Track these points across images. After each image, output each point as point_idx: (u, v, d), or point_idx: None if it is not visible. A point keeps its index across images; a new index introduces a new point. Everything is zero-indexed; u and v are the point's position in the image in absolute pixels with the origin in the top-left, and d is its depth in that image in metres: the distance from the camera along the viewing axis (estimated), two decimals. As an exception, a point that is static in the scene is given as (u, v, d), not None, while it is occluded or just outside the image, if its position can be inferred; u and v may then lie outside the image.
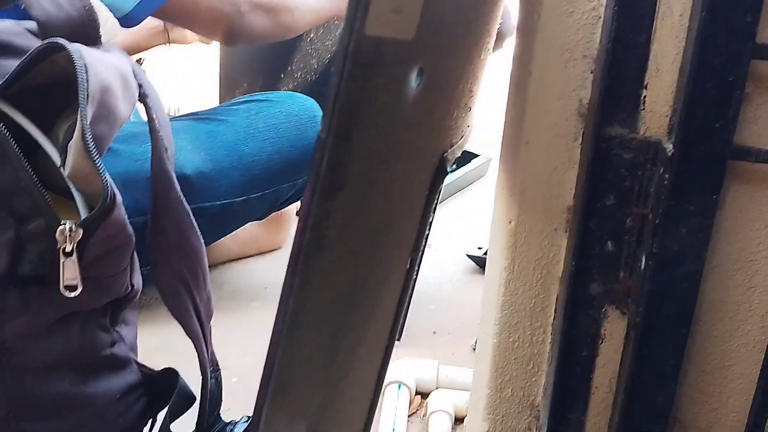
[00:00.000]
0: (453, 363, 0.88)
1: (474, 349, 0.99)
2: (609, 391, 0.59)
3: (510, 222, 0.56)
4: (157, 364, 0.70)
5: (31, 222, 0.55)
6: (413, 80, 0.38)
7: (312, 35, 1.46)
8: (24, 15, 0.73)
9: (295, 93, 1.05)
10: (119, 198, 0.57)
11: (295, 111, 1.03)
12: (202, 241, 0.67)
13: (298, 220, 0.33)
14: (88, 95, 0.54)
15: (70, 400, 0.62)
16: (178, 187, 0.65)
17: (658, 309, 0.53)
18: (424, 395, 0.85)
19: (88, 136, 0.54)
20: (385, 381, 0.84)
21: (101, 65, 0.57)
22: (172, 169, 0.65)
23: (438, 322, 1.06)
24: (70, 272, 0.56)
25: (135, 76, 0.63)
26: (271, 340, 0.35)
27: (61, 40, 0.56)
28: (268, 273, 1.18)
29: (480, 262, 1.25)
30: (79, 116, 0.54)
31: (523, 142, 0.54)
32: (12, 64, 0.61)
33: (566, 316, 0.56)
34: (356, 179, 0.36)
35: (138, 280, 0.66)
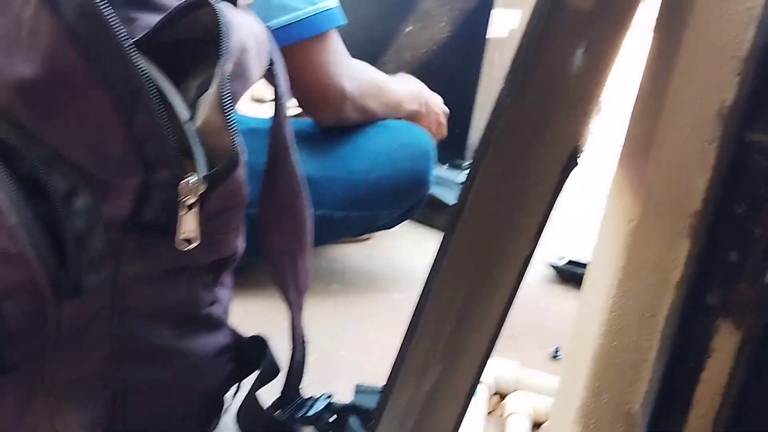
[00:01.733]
0: (531, 368, 0.87)
1: (554, 357, 0.98)
2: (710, 408, 0.57)
3: (631, 221, 0.55)
4: (244, 330, 0.71)
5: (158, 170, 0.56)
6: (580, 56, 0.37)
7: (411, 28, 1.47)
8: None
9: (415, 125, 1.05)
10: (243, 158, 0.58)
11: (410, 142, 1.04)
12: (311, 211, 0.68)
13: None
14: (229, 52, 0.55)
15: (168, 352, 0.63)
16: (294, 154, 0.66)
17: (779, 327, 0.52)
18: (502, 396, 0.84)
19: (226, 92, 0.55)
20: (465, 376, 0.83)
21: (241, 26, 0.59)
22: (291, 137, 0.66)
23: (516, 326, 1.05)
24: (189, 225, 0.57)
25: (269, 42, 0.65)
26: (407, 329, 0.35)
27: (207, -2, 0.58)
28: (350, 259, 1.19)
29: (561, 272, 1.23)
30: (218, 71, 0.56)
31: (656, 141, 0.53)
32: (150, 18, 0.63)
33: (678, 324, 0.55)
34: (512, 142, 0.35)
35: (242, 244, 0.67)
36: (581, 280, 1.16)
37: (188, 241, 0.58)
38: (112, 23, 0.52)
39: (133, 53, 0.53)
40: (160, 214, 0.58)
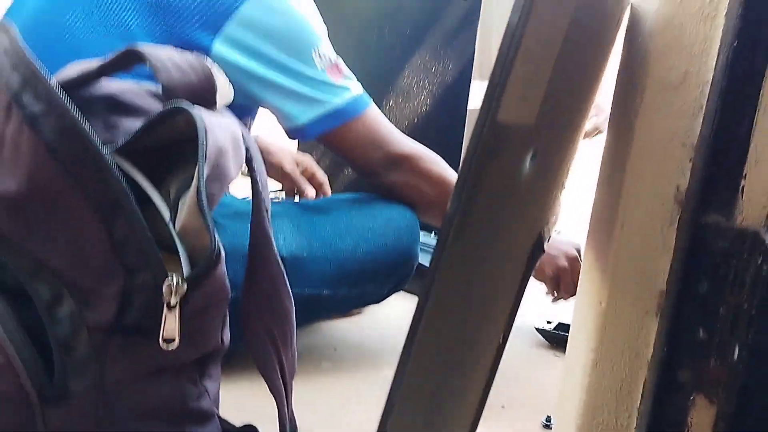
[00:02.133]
0: (523, 440, 0.87)
1: (545, 426, 0.98)
2: (693, 483, 0.58)
3: (600, 303, 0.56)
4: (235, 419, 0.72)
5: (139, 274, 0.58)
6: (528, 162, 0.40)
7: (392, 103, 1.51)
8: (144, 76, 0.78)
9: (397, 201, 1.08)
10: (223, 255, 0.60)
11: (394, 218, 1.06)
12: (293, 301, 0.69)
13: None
14: (206, 156, 0.57)
15: (159, 449, 0.64)
16: (275, 247, 0.67)
17: (751, 401, 0.53)
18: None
19: (203, 195, 0.57)
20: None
21: (218, 128, 0.61)
22: (271, 230, 0.68)
23: (506, 396, 1.05)
24: (170, 325, 0.59)
25: (243, 139, 0.67)
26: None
27: (185, 104, 0.60)
28: (340, 334, 1.20)
29: (548, 337, 1.24)
30: (197, 175, 0.58)
31: (618, 224, 0.55)
32: (132, 123, 0.66)
33: (653, 401, 0.56)
34: (473, 249, 0.37)
35: (227, 336, 0.68)
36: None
37: (171, 340, 0.59)
38: (90, 140, 0.55)
39: (112, 166, 0.55)
40: (143, 316, 0.59)
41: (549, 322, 1.25)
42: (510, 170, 0.38)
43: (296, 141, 1.43)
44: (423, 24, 1.46)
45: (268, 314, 0.68)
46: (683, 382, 0.56)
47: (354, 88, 1.01)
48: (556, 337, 1.22)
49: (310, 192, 1.27)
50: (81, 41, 0.91)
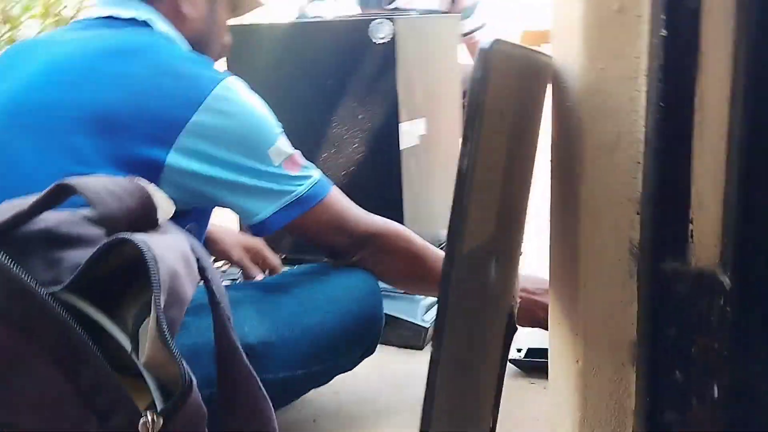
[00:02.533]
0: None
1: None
2: None
3: (577, 362, 0.57)
4: None
5: (112, 417, 0.56)
6: (493, 269, 0.40)
7: (326, 154, 1.51)
8: (79, 204, 0.76)
9: (356, 268, 1.08)
10: (195, 382, 0.58)
11: (354, 285, 1.06)
12: (271, 405, 0.68)
13: None
14: (160, 285, 0.56)
15: None
16: (244, 356, 0.66)
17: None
18: None
19: (164, 325, 0.56)
20: None
21: (167, 252, 0.60)
22: (237, 339, 0.67)
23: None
24: (153, 460, 0.57)
25: (193, 251, 0.66)
26: None
27: (128, 235, 0.59)
28: (316, 404, 1.18)
29: (522, 366, 1.25)
30: (153, 307, 0.56)
31: (580, 284, 0.56)
32: (74, 254, 0.64)
33: (644, 446, 0.57)
34: (460, 341, 0.37)
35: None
36: (545, 369, 1.17)
37: (159, 475, 0.58)
38: (39, 296, 0.53)
39: (65, 318, 0.54)
40: (123, 457, 0.57)
41: (519, 350, 1.26)
42: (481, 287, 0.38)
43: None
44: (342, 73, 1.46)
45: (247, 423, 0.66)
46: (669, 423, 0.57)
47: (313, 174, 1.00)
48: (529, 364, 1.24)
49: (260, 278, 1.26)
50: (32, 169, 0.87)
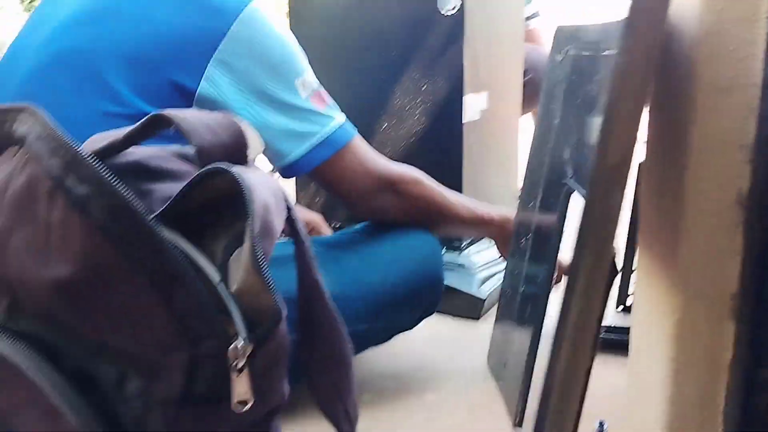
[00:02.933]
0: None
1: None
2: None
3: (674, 313, 0.56)
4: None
5: (204, 342, 0.57)
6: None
7: (386, 125, 1.50)
8: (168, 140, 0.77)
9: (417, 228, 1.09)
10: (284, 312, 0.59)
11: (417, 245, 1.06)
12: (352, 345, 0.68)
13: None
14: (255, 214, 0.57)
15: None
16: (328, 295, 0.66)
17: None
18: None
19: (259, 252, 0.56)
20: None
21: (260, 186, 0.60)
22: (320, 277, 0.67)
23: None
24: (242, 387, 0.57)
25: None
26: None
27: (223, 165, 0.59)
28: (374, 364, 1.19)
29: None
30: (247, 235, 0.57)
31: (683, 233, 0.55)
32: (165, 186, 0.65)
33: (738, 403, 0.56)
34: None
35: (287, 388, 0.67)
36: (618, 347, 1.15)
37: (243, 402, 0.58)
38: (142, 216, 0.53)
39: (165, 239, 0.54)
40: (211, 384, 0.58)
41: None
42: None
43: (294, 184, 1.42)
44: (408, 43, 1.46)
45: (330, 364, 0.67)
46: (765, 380, 0.56)
47: (338, 116, 1.00)
48: (604, 341, 1.22)
49: None
50: (71, 109, 0.89)
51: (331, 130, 0.98)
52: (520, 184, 1.84)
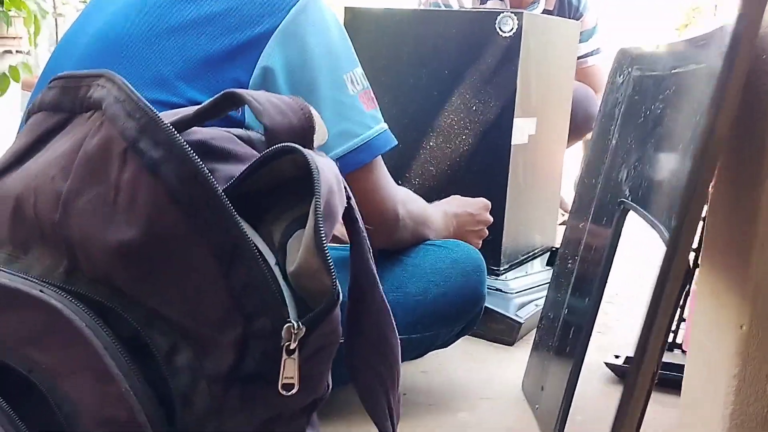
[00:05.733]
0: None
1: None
2: None
3: (741, 327, 0.54)
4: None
5: (258, 320, 0.56)
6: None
7: (432, 143, 1.50)
8: (231, 123, 0.77)
9: (462, 242, 1.07)
10: (341, 297, 0.58)
11: (460, 258, 1.04)
12: (399, 338, 0.67)
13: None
14: (323, 194, 0.56)
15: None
16: (380, 285, 0.66)
17: None
18: None
19: (322, 233, 0.56)
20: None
21: (325, 168, 0.60)
22: (375, 268, 0.66)
23: (588, 433, 1.02)
24: (289, 370, 0.57)
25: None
26: None
27: (292, 145, 0.59)
28: (405, 378, 1.17)
29: (618, 371, 1.21)
30: (313, 214, 0.56)
31: (756, 244, 0.53)
32: (227, 167, 0.64)
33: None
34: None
35: (330, 380, 0.66)
36: (664, 384, 1.12)
37: (290, 386, 0.57)
38: (212, 185, 0.53)
39: (232, 211, 0.54)
40: (261, 364, 0.57)
41: (617, 356, 1.22)
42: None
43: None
44: (462, 62, 1.46)
45: (375, 356, 0.66)
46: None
47: (382, 121, 0.94)
48: (627, 371, 1.20)
49: None
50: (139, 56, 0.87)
51: (375, 133, 0.92)
52: (559, 209, 1.84)
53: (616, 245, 0.86)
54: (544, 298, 1.44)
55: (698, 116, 0.52)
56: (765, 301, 0.53)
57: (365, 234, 0.66)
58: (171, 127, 0.54)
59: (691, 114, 0.57)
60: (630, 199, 0.83)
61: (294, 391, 0.57)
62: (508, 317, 1.33)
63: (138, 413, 0.53)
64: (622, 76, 0.97)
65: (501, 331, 1.32)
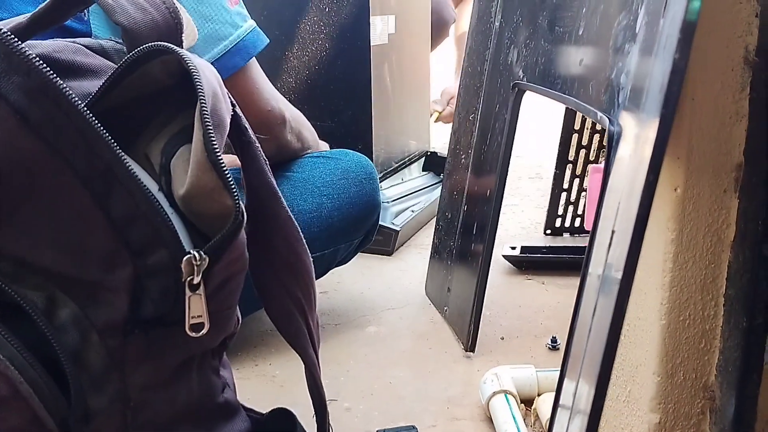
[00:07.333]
0: (534, 365, 0.83)
1: (551, 348, 0.95)
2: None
3: (676, 189, 0.52)
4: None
5: (151, 254, 0.48)
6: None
7: (287, 53, 1.40)
8: (72, 32, 0.66)
9: (350, 150, 1.00)
10: (245, 217, 0.50)
11: (351, 168, 0.98)
12: (311, 258, 0.60)
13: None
14: (207, 97, 0.47)
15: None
16: (284, 201, 0.58)
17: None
18: (526, 402, 0.80)
19: (214, 144, 0.47)
20: (488, 392, 0.78)
21: (205, 69, 0.51)
22: (275, 181, 0.58)
23: (500, 327, 1.02)
24: (196, 308, 0.49)
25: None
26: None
27: (162, 43, 0.49)
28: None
29: (516, 262, 1.21)
30: (199, 122, 0.48)
31: (688, 98, 0.50)
32: (81, 83, 0.54)
33: (740, 282, 0.53)
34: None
35: (239, 312, 0.59)
36: (540, 266, 1.14)
37: (200, 326, 0.49)
38: (69, 99, 0.43)
39: (99, 129, 0.44)
40: (161, 305, 0.49)
41: (513, 248, 1.22)
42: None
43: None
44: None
45: (288, 277, 0.59)
46: (768, 256, 0.53)
47: (249, 19, 0.86)
48: (525, 261, 1.20)
49: None
50: None
51: (244, 32, 0.83)
52: (432, 110, 1.80)
53: (515, 129, 0.83)
54: (420, 203, 1.42)
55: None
56: (697, 157, 0.51)
57: (258, 144, 0.58)
58: (8, 32, 0.43)
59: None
60: (525, 79, 0.79)
61: (204, 331, 0.49)
62: (385, 226, 1.29)
63: (20, 384, 0.44)
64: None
65: (378, 241, 1.28)
